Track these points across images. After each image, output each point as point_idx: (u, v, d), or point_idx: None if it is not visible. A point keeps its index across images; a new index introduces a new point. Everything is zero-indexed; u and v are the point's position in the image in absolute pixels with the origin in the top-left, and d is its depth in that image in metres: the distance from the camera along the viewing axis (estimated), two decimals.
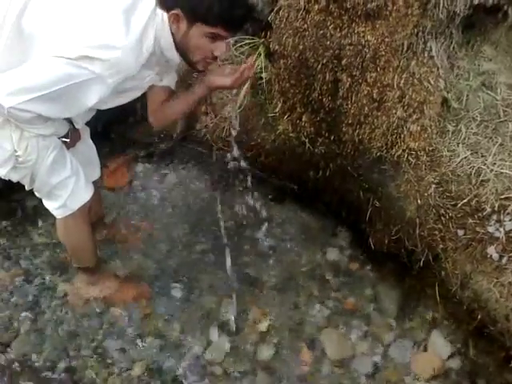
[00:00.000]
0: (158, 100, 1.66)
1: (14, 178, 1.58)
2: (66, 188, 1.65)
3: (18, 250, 2.09)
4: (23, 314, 1.91)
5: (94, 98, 1.38)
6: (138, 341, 1.86)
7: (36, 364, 1.79)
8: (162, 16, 1.40)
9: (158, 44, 1.43)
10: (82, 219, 1.76)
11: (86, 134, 1.78)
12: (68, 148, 1.64)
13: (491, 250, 1.69)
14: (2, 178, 1.56)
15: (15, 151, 1.49)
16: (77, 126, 1.63)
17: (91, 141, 1.84)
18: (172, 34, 1.42)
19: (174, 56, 1.48)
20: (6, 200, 2.19)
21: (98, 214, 2.08)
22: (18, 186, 1.63)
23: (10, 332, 1.86)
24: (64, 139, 1.60)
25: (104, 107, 1.54)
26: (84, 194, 1.72)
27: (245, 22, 1.51)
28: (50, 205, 1.71)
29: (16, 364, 1.78)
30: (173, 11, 1.38)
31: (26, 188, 1.65)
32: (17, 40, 1.35)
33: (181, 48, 1.46)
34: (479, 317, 1.73)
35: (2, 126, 1.45)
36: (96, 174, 1.90)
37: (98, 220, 2.09)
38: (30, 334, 1.86)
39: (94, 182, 1.85)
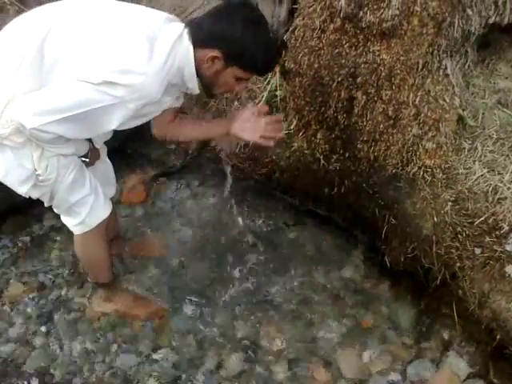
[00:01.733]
0: (166, 118, 1.66)
1: (34, 196, 1.60)
2: (85, 205, 1.68)
3: (35, 264, 2.11)
4: (39, 327, 1.92)
5: (115, 122, 1.41)
6: (152, 356, 1.85)
7: (51, 379, 1.79)
8: (188, 46, 1.42)
9: (182, 73, 1.45)
10: (99, 236, 1.79)
11: (103, 152, 1.81)
12: (87, 166, 1.67)
13: (509, 269, 1.67)
14: (23, 194, 1.58)
15: (35, 170, 1.51)
16: (97, 146, 1.66)
17: (108, 159, 1.86)
18: (196, 65, 1.44)
19: (195, 87, 1.51)
20: (24, 214, 2.22)
21: (114, 230, 2.10)
22: (37, 200, 1.66)
23: (25, 346, 1.87)
24: (84, 159, 1.62)
25: (121, 128, 1.57)
26: (102, 211, 1.74)
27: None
28: (68, 221, 1.73)
29: (31, 379, 1.78)
30: (212, 53, 1.41)
31: (46, 205, 1.67)
32: (40, 63, 1.37)
33: (206, 81, 1.50)
34: (498, 337, 1.70)
35: (23, 145, 1.47)
36: (112, 191, 1.92)
37: (114, 236, 2.11)
38: (45, 349, 1.87)
39: (111, 199, 1.87)
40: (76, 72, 1.34)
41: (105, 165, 1.84)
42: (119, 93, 1.33)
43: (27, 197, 1.59)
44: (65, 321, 1.94)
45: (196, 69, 1.45)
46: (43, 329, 1.92)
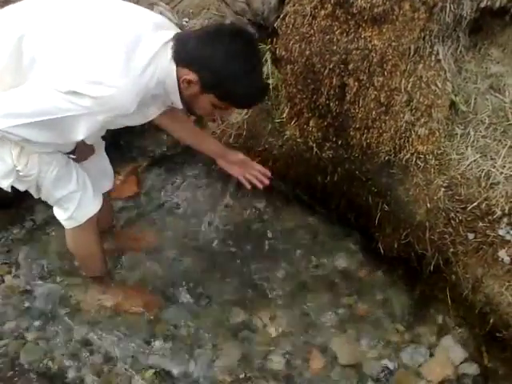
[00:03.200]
0: (177, 113, 1.67)
1: (20, 188, 1.59)
2: (73, 201, 1.65)
3: (28, 258, 2.10)
4: (33, 321, 1.92)
5: (82, 132, 1.36)
6: (148, 348, 1.86)
7: (46, 372, 1.80)
8: (171, 60, 1.35)
9: (163, 86, 1.39)
10: (90, 230, 1.76)
11: (101, 146, 1.78)
12: (78, 162, 1.64)
13: (502, 254, 1.68)
14: (4, 188, 1.56)
15: (15, 166, 1.49)
16: (88, 142, 1.62)
17: (105, 153, 1.84)
18: (178, 81, 1.37)
19: (177, 102, 1.44)
20: (17, 208, 2.20)
21: (107, 222, 2.09)
22: (29, 194, 1.65)
23: (19, 340, 1.87)
24: (71, 156, 1.59)
25: (107, 128, 1.55)
26: (91, 207, 1.71)
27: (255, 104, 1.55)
28: (59, 214, 1.72)
29: (26, 372, 1.79)
30: (188, 76, 1.33)
31: (35, 197, 1.66)
32: (18, 59, 1.33)
33: (184, 100, 1.43)
34: (491, 321, 1.71)
35: (2, 142, 1.44)
36: (109, 184, 1.91)
37: (107, 228, 2.10)
38: (40, 342, 1.86)
39: (106, 192, 1.87)
40: (48, 76, 1.30)
41: (100, 158, 1.82)
42: (87, 103, 1.28)
43: (9, 190, 1.57)
44: (60, 314, 1.94)
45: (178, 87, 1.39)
46: (38, 322, 1.92)
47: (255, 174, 1.75)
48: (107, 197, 1.95)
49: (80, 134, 1.36)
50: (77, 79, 1.28)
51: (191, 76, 1.33)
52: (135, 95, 1.32)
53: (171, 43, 1.35)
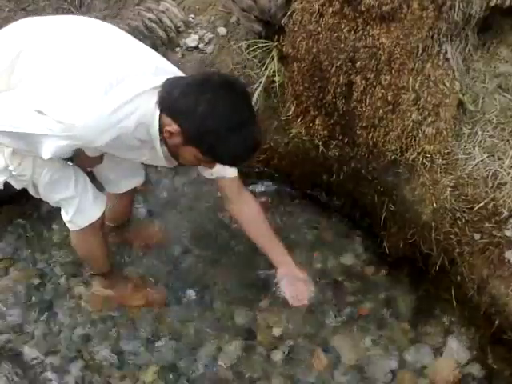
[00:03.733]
0: (231, 191, 1.64)
1: (15, 186, 1.58)
2: (71, 206, 1.63)
3: (33, 253, 2.10)
4: (38, 315, 1.92)
5: (47, 152, 1.31)
6: (152, 343, 1.86)
7: (51, 366, 1.80)
8: (155, 107, 1.29)
9: (146, 130, 1.34)
10: (91, 233, 1.74)
11: None
12: (85, 169, 1.63)
13: (509, 255, 1.66)
14: None
15: (7, 165, 1.48)
16: (89, 155, 1.56)
17: None
18: (161, 129, 1.32)
19: (158, 149, 1.39)
20: (21, 203, 2.20)
21: (126, 217, 2.10)
22: None
23: (24, 334, 1.87)
24: (69, 163, 1.57)
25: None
26: (91, 213, 1.68)
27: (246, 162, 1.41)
28: (62, 214, 1.70)
29: (28, 368, 1.79)
30: (170, 128, 1.28)
31: (34, 196, 1.64)
32: (9, 76, 1.34)
33: (170, 149, 1.38)
34: (497, 322, 1.70)
35: None
36: (136, 181, 1.90)
37: (122, 223, 2.10)
38: (45, 336, 1.87)
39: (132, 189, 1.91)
40: (26, 91, 1.29)
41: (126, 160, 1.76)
42: (50, 125, 1.25)
43: (1, 187, 1.55)
44: (64, 308, 1.94)
45: (161, 132, 1.33)
46: (42, 317, 1.92)
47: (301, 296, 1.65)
48: (133, 193, 1.97)
49: (44, 153, 1.32)
50: (47, 100, 1.26)
51: (173, 127, 1.28)
52: (100, 132, 1.28)
53: (158, 90, 1.30)
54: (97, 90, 1.25)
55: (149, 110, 1.30)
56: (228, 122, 1.26)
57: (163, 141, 1.36)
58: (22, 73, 1.33)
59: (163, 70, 1.39)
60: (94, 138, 1.29)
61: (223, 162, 1.39)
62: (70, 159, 1.54)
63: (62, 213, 1.69)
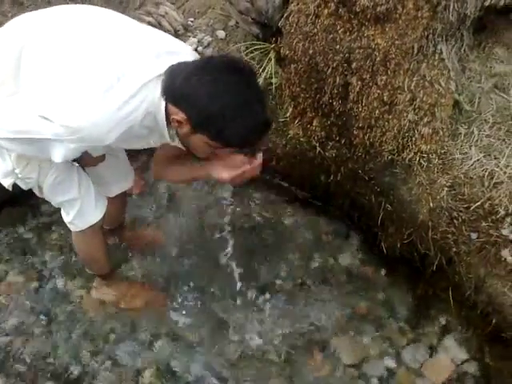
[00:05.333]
0: (163, 155, 1.58)
1: (23, 187, 1.58)
2: (73, 208, 1.64)
3: (32, 255, 2.11)
4: (37, 317, 1.93)
5: (58, 156, 1.31)
6: (151, 345, 1.86)
7: (49, 368, 1.81)
8: (160, 96, 1.26)
9: (155, 119, 1.30)
10: (92, 235, 1.75)
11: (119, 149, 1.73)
12: (85, 166, 1.63)
13: (505, 253, 1.66)
14: (6, 187, 1.55)
15: (14, 168, 1.49)
16: (94, 155, 1.57)
17: (125, 153, 1.82)
18: (168, 118, 1.28)
19: (166, 137, 1.35)
20: (21, 205, 2.22)
21: (119, 220, 2.10)
22: (33, 192, 1.66)
23: (23, 337, 1.88)
24: (74, 163, 1.57)
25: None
26: (92, 216, 1.69)
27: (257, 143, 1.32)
28: (63, 215, 1.72)
29: (30, 368, 1.80)
30: (177, 116, 1.24)
31: (39, 196, 1.66)
32: (15, 73, 1.32)
33: (181, 140, 1.34)
34: (494, 321, 1.70)
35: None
36: (126, 184, 1.89)
37: (118, 226, 2.10)
38: (44, 339, 1.88)
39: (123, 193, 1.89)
40: (31, 96, 1.28)
41: (118, 160, 1.78)
42: (56, 130, 1.24)
43: (10, 189, 1.56)
44: (63, 311, 1.95)
45: (169, 123, 1.29)
46: (42, 319, 1.93)
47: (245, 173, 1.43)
48: (124, 196, 1.96)
49: (56, 157, 1.32)
50: (50, 105, 1.24)
51: (180, 116, 1.24)
52: (107, 129, 1.25)
53: (161, 77, 1.26)
54: (98, 88, 1.22)
55: (155, 99, 1.26)
56: (232, 103, 1.20)
57: (175, 132, 1.32)
58: (25, 72, 1.32)
59: (167, 51, 1.32)
60: (104, 137, 1.26)
61: (233, 145, 1.29)
62: (75, 159, 1.54)
63: (63, 214, 1.70)
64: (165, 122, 1.30)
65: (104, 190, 1.83)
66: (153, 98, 1.26)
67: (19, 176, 1.51)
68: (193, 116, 1.23)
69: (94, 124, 1.23)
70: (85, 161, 1.58)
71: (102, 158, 1.63)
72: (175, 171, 1.57)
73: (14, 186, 1.57)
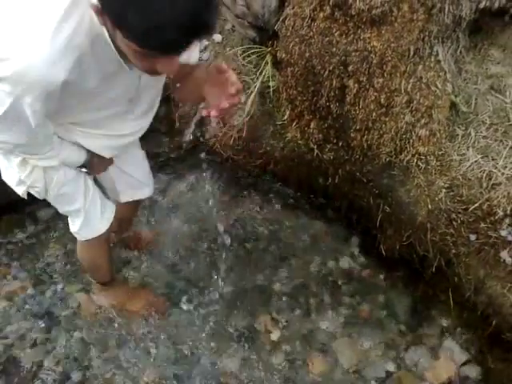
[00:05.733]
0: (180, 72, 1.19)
1: (37, 196, 1.54)
2: (78, 218, 1.61)
3: (32, 260, 2.11)
4: (37, 323, 1.93)
5: (32, 121, 1.15)
6: (151, 350, 1.86)
7: (49, 374, 1.81)
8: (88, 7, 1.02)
9: (105, 42, 1.08)
10: (97, 245, 1.73)
11: (135, 155, 1.70)
12: (96, 173, 1.60)
13: (504, 255, 1.67)
14: (20, 195, 1.51)
15: (19, 175, 1.44)
16: (103, 155, 1.49)
17: (146, 161, 1.78)
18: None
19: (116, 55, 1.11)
20: (21, 212, 2.22)
21: (126, 230, 2.09)
22: (32, 197, 1.65)
23: (23, 342, 1.88)
24: (82, 170, 1.51)
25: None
26: (98, 227, 1.66)
27: (178, 46, 0.98)
28: (70, 224, 1.68)
29: (29, 373, 1.80)
30: (104, 21, 1.00)
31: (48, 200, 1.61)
32: None
33: (118, 50, 1.10)
34: (494, 322, 1.70)
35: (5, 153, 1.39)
36: (145, 192, 1.83)
37: (122, 234, 2.10)
38: (43, 344, 1.88)
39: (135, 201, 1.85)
40: None
41: (136, 167, 1.73)
42: (5, 88, 1.07)
43: (25, 197, 1.52)
44: (63, 316, 1.95)
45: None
46: (41, 324, 1.93)
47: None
48: (136, 203, 1.90)
49: (32, 121, 1.15)
50: None
51: (103, 18, 0.99)
52: (50, 62, 1.05)
53: None
54: (26, 25, 1.05)
55: (93, 15, 1.02)
56: None
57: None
58: None
59: None
60: (50, 72, 1.06)
61: (141, 41, 0.96)
62: (84, 166, 1.49)
63: (70, 222, 1.67)
64: (106, 34, 1.06)
65: (112, 194, 1.79)
66: (91, 16, 1.04)
67: (27, 184, 1.46)
68: (103, 6, 0.96)
69: (31, 63, 1.04)
70: (93, 166, 1.53)
71: (110, 161, 1.58)
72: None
73: (14, 192, 1.56)
